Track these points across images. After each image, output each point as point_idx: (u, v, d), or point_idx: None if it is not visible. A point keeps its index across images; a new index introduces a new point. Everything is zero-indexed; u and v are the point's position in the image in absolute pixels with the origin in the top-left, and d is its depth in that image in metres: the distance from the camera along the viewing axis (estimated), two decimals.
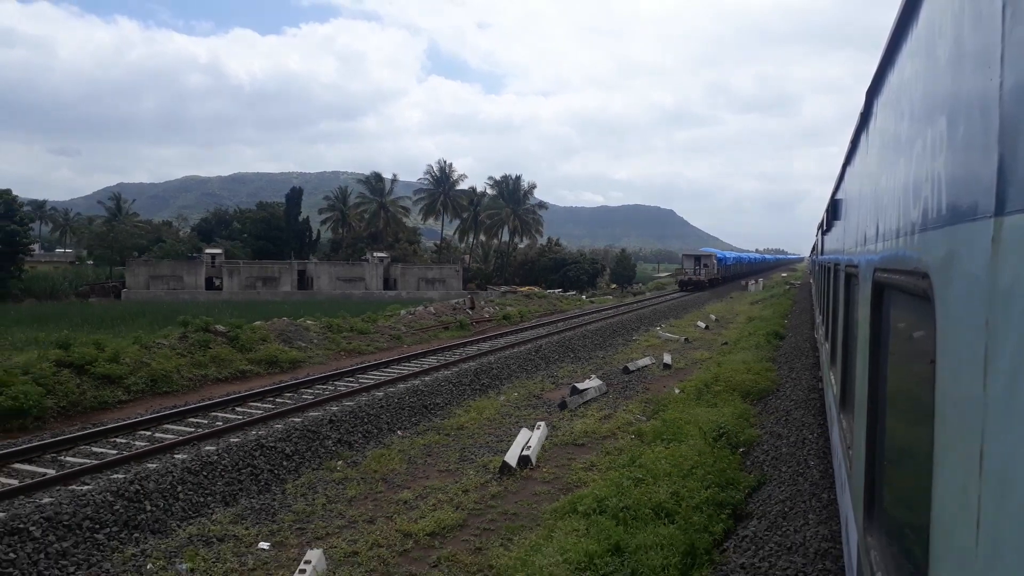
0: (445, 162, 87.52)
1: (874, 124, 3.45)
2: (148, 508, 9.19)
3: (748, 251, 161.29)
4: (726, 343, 25.83)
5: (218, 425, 12.69)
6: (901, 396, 2.47)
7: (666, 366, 21.06)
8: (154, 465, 10.26)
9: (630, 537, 7.72)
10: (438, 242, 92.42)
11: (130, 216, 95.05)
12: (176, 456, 10.75)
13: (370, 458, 12.02)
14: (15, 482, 9.67)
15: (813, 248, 21.56)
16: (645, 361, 21.44)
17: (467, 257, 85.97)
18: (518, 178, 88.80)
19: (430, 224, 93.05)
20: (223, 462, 10.65)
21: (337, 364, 21.38)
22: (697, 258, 63.52)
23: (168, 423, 12.96)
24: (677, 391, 16.48)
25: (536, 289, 61.91)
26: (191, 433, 12.06)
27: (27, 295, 59.12)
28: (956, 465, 1.33)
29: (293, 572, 7.61)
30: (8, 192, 59.71)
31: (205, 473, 10.27)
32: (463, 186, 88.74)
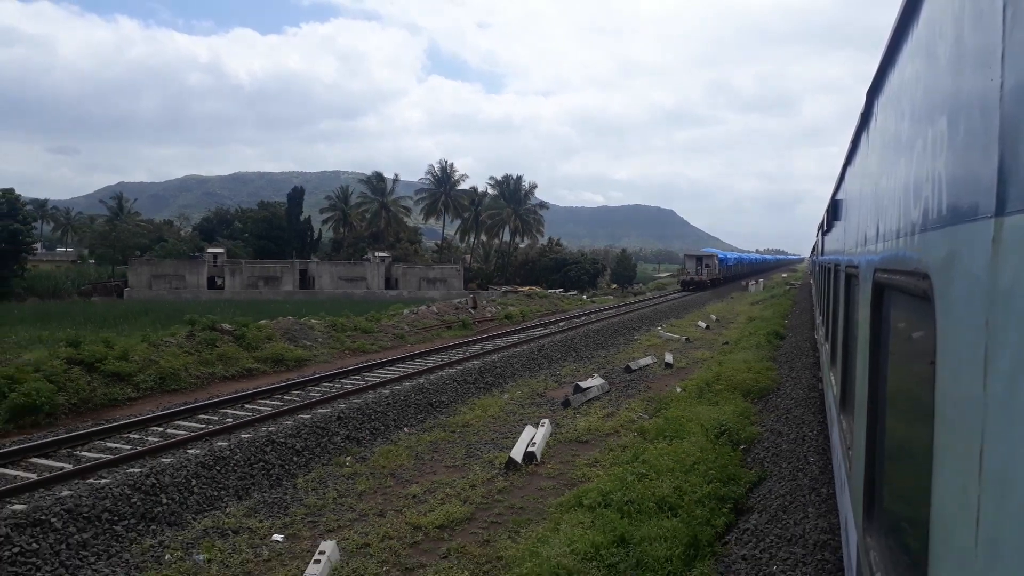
0: (446, 162, 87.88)
1: (874, 124, 3.44)
2: (164, 501, 9.43)
3: (749, 251, 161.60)
4: (727, 343, 26.07)
5: (228, 421, 12.93)
6: (901, 397, 2.47)
7: (667, 365, 21.28)
8: (168, 460, 10.50)
9: (635, 529, 7.95)
10: (439, 242, 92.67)
11: (132, 215, 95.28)
12: (189, 451, 10.99)
13: (378, 454, 12.26)
14: (33, 476, 9.92)
15: (813, 248, 21.71)
16: (647, 360, 21.67)
17: (468, 257, 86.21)
18: (519, 178, 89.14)
19: (431, 224, 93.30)
20: (235, 457, 10.89)
21: (342, 362, 21.61)
22: (699, 258, 64.24)
23: (179, 419, 13.20)
24: (679, 390, 16.71)
25: (537, 289, 62.13)
26: (203, 429, 12.30)
27: (30, 294, 59.37)
28: (956, 465, 1.33)
29: (307, 563, 7.83)
30: (11, 191, 59.96)
31: (218, 468, 10.50)
32: (464, 186, 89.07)
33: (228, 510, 9.71)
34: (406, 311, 32.97)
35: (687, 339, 28.17)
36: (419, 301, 46.55)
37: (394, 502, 10.04)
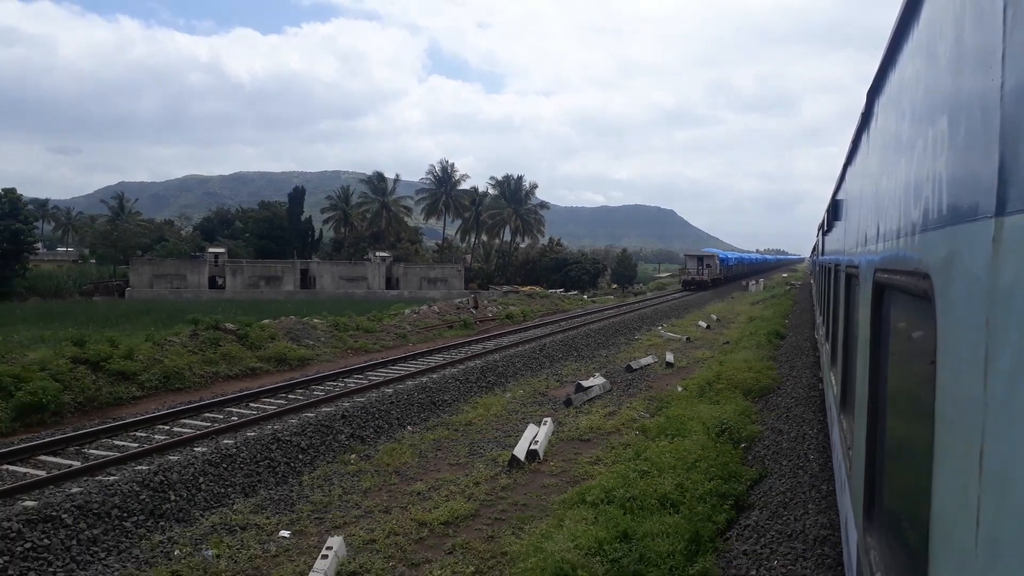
0: (447, 162, 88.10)
1: (875, 124, 3.44)
2: (172, 498, 9.55)
3: (749, 251, 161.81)
4: (727, 342, 26.18)
5: (234, 420, 13.05)
6: (901, 396, 2.47)
7: (668, 365, 21.40)
8: (176, 457, 10.62)
9: (637, 525, 8.06)
10: (440, 242, 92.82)
11: (133, 215, 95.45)
12: (196, 449, 11.11)
13: (382, 452, 12.37)
14: (43, 473, 10.04)
15: (813, 248, 21.78)
16: (648, 360, 21.78)
17: (469, 257, 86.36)
18: (520, 178, 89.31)
19: (432, 224, 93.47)
20: (241, 455, 11.01)
21: (345, 362, 21.73)
22: (700, 258, 64.77)
23: (185, 418, 13.32)
24: (680, 389, 16.83)
25: (538, 289, 62.28)
26: (209, 427, 12.42)
27: (32, 293, 59.56)
28: (956, 465, 1.33)
29: (315, 558, 7.94)
30: (13, 191, 60.14)
31: (225, 465, 10.62)
32: (465, 186, 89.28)
33: (235, 507, 9.83)
34: (408, 311, 33.10)
35: (688, 339, 28.29)
36: (420, 301, 46.68)
37: (399, 499, 10.16)
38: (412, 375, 17.64)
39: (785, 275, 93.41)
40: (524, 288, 63.41)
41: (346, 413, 13.59)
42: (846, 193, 5.92)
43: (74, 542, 8.24)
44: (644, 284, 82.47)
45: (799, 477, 9.45)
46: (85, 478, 9.72)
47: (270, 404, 14.62)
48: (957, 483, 1.30)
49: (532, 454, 11.78)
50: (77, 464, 10.39)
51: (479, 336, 28.05)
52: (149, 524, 9.01)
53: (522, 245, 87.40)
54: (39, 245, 78.55)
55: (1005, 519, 1.03)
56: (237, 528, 9.12)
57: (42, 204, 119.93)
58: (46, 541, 8.07)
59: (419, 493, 10.35)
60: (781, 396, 14.85)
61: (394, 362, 20.23)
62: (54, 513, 8.44)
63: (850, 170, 5.39)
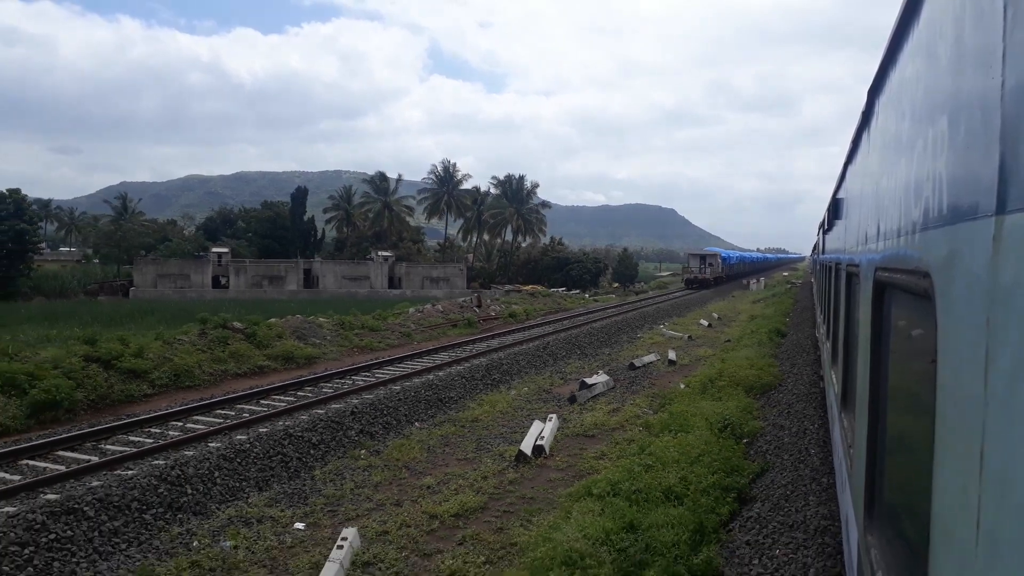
0: (449, 162, 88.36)
1: (875, 123, 3.44)
2: (189, 491, 9.80)
3: (750, 250, 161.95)
4: (729, 340, 26.41)
5: (245, 416, 13.30)
6: (902, 395, 2.47)
7: (671, 362, 21.63)
8: (191, 453, 10.87)
9: (643, 516, 8.30)
10: (442, 241, 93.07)
11: (137, 215, 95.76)
12: (210, 444, 11.36)
13: (391, 447, 12.62)
14: (62, 467, 10.29)
15: (814, 247, 21.93)
16: (650, 357, 22.01)
17: (470, 256, 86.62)
18: (522, 178, 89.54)
19: (434, 223, 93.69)
20: (255, 450, 11.26)
21: (351, 360, 21.98)
22: (703, 257, 65.39)
23: (197, 415, 13.57)
24: (682, 386, 17.06)
25: (540, 288, 62.52)
26: (221, 423, 12.67)
27: (36, 293, 59.86)
28: (956, 464, 1.33)
29: (330, 549, 8.19)
30: (17, 191, 60.42)
31: (239, 460, 10.87)
32: (467, 186, 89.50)
33: (250, 500, 10.09)
34: (411, 310, 33.35)
35: (689, 337, 28.51)
36: (422, 300, 46.94)
37: (409, 493, 10.41)
38: (418, 373, 17.89)
39: (786, 274, 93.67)
40: (526, 287, 63.67)
41: (355, 410, 13.84)
42: (847, 192, 5.94)
43: (96, 533, 8.49)
44: (645, 283, 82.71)
45: (800, 471, 9.68)
46: (104, 472, 9.98)
47: (280, 401, 14.87)
48: (957, 482, 1.30)
49: (538, 449, 12.02)
50: (95, 459, 10.64)
51: (483, 335, 28.29)
52: (167, 516, 9.26)
53: (523, 244, 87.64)
54: (43, 245, 78.84)
55: (1005, 518, 1.03)
56: (253, 520, 9.38)
57: (45, 204, 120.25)
58: (69, 532, 8.32)
59: (429, 487, 10.60)
60: (782, 393, 15.08)
61: (400, 360, 20.48)
62: (76, 506, 8.69)
63: (851, 169, 5.41)
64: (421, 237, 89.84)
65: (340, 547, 8.04)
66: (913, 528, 1.95)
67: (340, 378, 17.53)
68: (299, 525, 9.27)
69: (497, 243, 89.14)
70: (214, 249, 71.70)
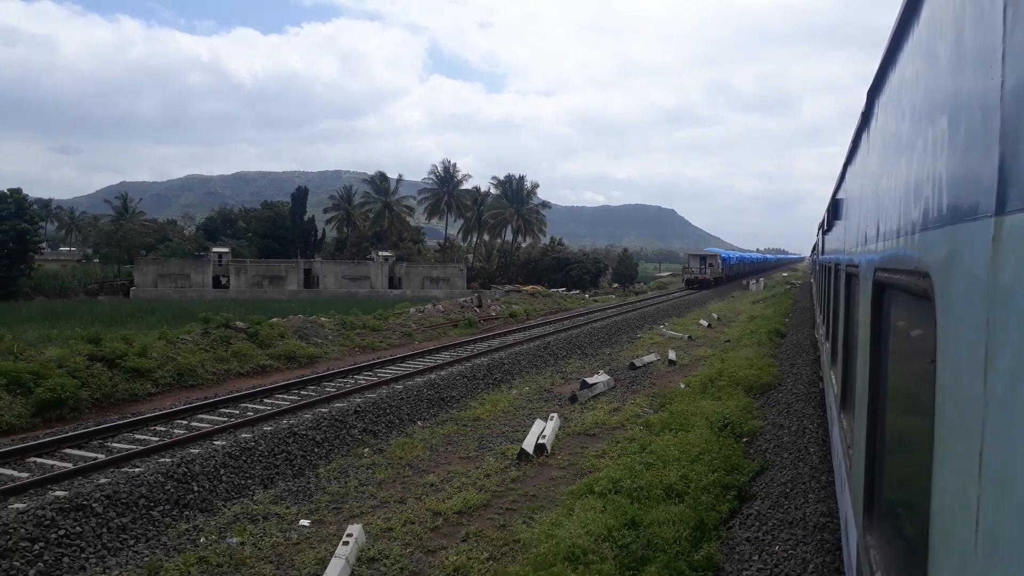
0: (449, 162, 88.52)
1: (875, 124, 3.44)
2: (195, 488, 9.92)
3: (749, 251, 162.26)
4: (728, 340, 26.53)
5: (250, 415, 13.42)
6: (901, 396, 2.47)
7: (671, 362, 21.74)
8: (197, 450, 10.99)
9: (644, 513, 8.42)
10: (442, 242, 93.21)
11: (137, 215, 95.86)
12: (216, 443, 11.47)
13: (394, 446, 12.74)
14: (70, 465, 10.40)
15: (814, 248, 22.00)
16: (650, 357, 22.13)
17: (470, 256, 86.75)
18: (522, 178, 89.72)
19: (434, 224, 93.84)
20: (260, 448, 11.37)
21: (353, 359, 22.09)
22: (703, 258, 65.80)
23: (202, 413, 13.69)
24: (682, 386, 17.18)
25: (540, 288, 62.67)
26: (226, 422, 12.79)
27: (37, 293, 59.97)
28: (956, 464, 1.33)
29: (335, 546, 8.30)
30: (19, 191, 60.53)
31: (244, 458, 10.99)
32: (467, 186, 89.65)
33: (255, 497, 10.20)
34: (412, 310, 33.47)
35: (689, 337, 28.63)
36: (422, 300, 47.07)
37: (413, 490, 10.52)
38: (420, 372, 18.01)
39: (785, 274, 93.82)
40: (526, 287, 63.80)
41: (358, 408, 13.96)
42: (846, 192, 5.96)
43: (104, 530, 8.60)
44: (645, 283, 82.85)
45: (799, 469, 9.80)
46: (111, 469, 10.09)
47: (283, 400, 14.99)
48: (957, 482, 1.30)
49: (540, 448, 12.13)
50: (102, 457, 10.75)
51: (484, 335, 28.40)
52: (175, 513, 9.37)
53: (523, 245, 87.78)
54: (44, 245, 78.94)
55: (1005, 518, 1.03)
56: (259, 517, 9.49)
57: (45, 204, 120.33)
58: (78, 528, 8.43)
59: (432, 485, 10.71)
60: (782, 392, 15.19)
61: (402, 359, 20.60)
62: (84, 502, 8.80)
63: (850, 169, 5.42)
64: (421, 237, 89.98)
65: (345, 543, 8.14)
66: (913, 529, 1.95)
67: (343, 377, 17.65)
68: (304, 522, 9.38)
69: (497, 243, 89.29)
70: (215, 249, 71.82)
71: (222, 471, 10.48)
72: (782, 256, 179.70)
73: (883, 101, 3.02)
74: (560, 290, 62.92)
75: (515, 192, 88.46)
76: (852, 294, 4.58)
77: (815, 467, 9.67)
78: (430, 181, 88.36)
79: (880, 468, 2.75)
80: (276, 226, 76.96)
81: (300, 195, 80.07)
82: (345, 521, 9.28)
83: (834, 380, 6.43)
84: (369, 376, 17.85)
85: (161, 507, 9.34)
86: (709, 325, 33.61)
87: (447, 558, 8.15)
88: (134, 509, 9.07)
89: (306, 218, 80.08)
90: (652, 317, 36.64)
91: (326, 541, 8.72)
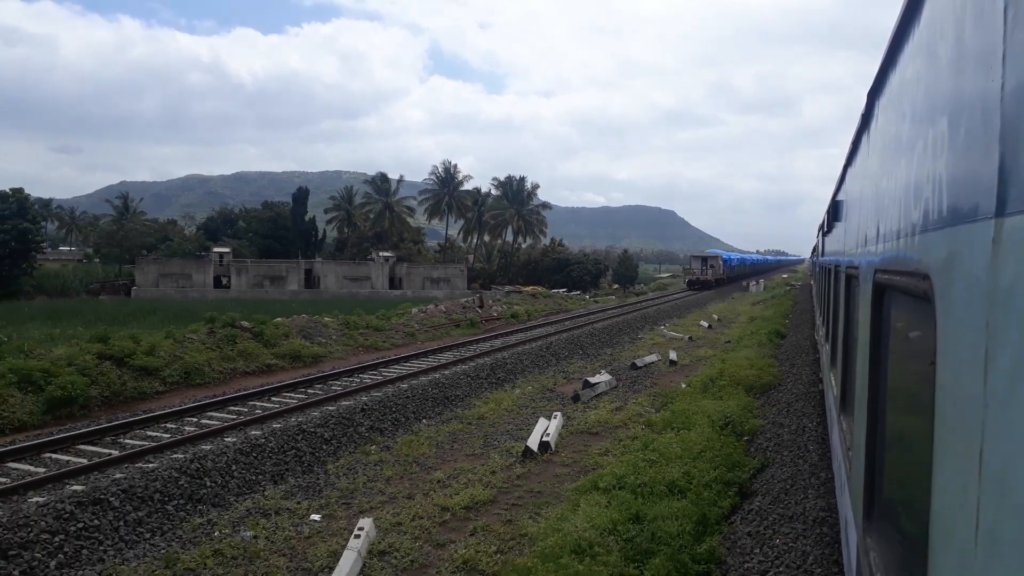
0: (450, 163, 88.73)
1: (875, 125, 3.43)
2: (208, 484, 10.13)
3: (749, 252, 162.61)
4: (729, 341, 26.75)
5: (258, 413, 13.64)
6: (901, 397, 2.46)
7: (672, 362, 21.97)
8: (208, 447, 11.20)
9: (648, 508, 8.64)
10: (442, 242, 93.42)
11: (138, 215, 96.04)
12: (227, 439, 11.69)
13: (401, 443, 12.96)
14: (85, 460, 10.62)
15: (814, 249, 22.16)
16: (652, 358, 22.35)
17: (471, 257, 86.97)
18: (522, 179, 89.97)
19: (434, 224, 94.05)
20: (269, 445, 11.59)
21: (357, 359, 22.31)
22: (704, 259, 66.39)
23: (211, 411, 13.91)
24: (684, 385, 17.40)
25: (541, 289, 62.89)
26: (235, 419, 13.01)
27: (39, 292, 60.14)
28: (956, 466, 1.32)
29: (346, 539, 8.51)
30: (20, 191, 60.69)
31: (255, 455, 11.21)
32: (467, 187, 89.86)
33: (267, 493, 10.42)
34: (415, 310, 33.69)
35: (690, 338, 28.85)
36: (423, 301, 47.29)
37: (421, 486, 10.74)
38: (424, 371, 18.23)
39: (785, 276, 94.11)
40: (527, 288, 64.01)
41: (365, 407, 14.18)
42: (846, 194, 5.97)
43: (122, 523, 8.82)
44: (645, 284, 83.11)
45: (799, 466, 10.02)
46: (126, 465, 10.31)
47: (291, 398, 15.21)
48: (957, 484, 1.30)
49: (544, 445, 12.35)
50: (116, 452, 10.97)
51: (486, 335, 28.62)
52: (188, 508, 9.59)
53: (524, 245, 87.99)
54: (45, 244, 79.09)
55: (1005, 519, 1.03)
56: (271, 512, 9.71)
57: (46, 204, 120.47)
58: (96, 522, 8.65)
59: (439, 481, 10.93)
60: (782, 392, 15.42)
61: (406, 359, 20.82)
62: (102, 496, 9.02)
63: (850, 171, 5.42)
64: (422, 238, 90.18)
65: (357, 536, 8.36)
66: (913, 530, 1.94)
67: (348, 376, 17.87)
68: (315, 516, 9.60)
69: (498, 244, 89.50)
70: (216, 249, 71.98)
71: (233, 467, 10.70)
72: (782, 258, 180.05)
73: (883, 102, 3.03)
74: (561, 291, 63.16)
75: (515, 193, 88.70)
76: (852, 296, 4.57)
77: (814, 464, 9.89)
78: (431, 182, 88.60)
79: (880, 470, 2.76)
80: (277, 226, 77.14)
81: (301, 195, 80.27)
82: (355, 516, 9.50)
83: (834, 382, 6.46)
84: (374, 375, 18.07)
85: (175, 501, 9.56)
86: (709, 326, 33.83)
87: (456, 551, 8.37)
88: (149, 503, 9.29)
89: (307, 218, 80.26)
90: (652, 318, 36.86)
91: (337, 535, 8.94)
